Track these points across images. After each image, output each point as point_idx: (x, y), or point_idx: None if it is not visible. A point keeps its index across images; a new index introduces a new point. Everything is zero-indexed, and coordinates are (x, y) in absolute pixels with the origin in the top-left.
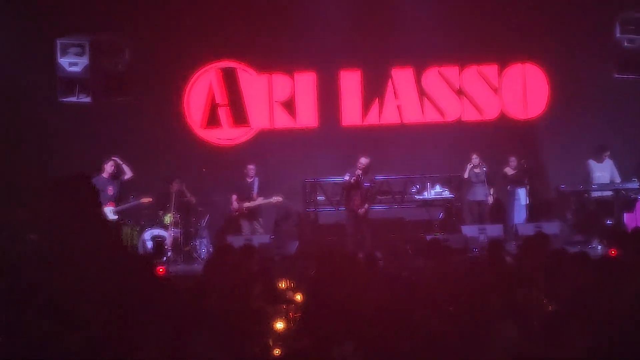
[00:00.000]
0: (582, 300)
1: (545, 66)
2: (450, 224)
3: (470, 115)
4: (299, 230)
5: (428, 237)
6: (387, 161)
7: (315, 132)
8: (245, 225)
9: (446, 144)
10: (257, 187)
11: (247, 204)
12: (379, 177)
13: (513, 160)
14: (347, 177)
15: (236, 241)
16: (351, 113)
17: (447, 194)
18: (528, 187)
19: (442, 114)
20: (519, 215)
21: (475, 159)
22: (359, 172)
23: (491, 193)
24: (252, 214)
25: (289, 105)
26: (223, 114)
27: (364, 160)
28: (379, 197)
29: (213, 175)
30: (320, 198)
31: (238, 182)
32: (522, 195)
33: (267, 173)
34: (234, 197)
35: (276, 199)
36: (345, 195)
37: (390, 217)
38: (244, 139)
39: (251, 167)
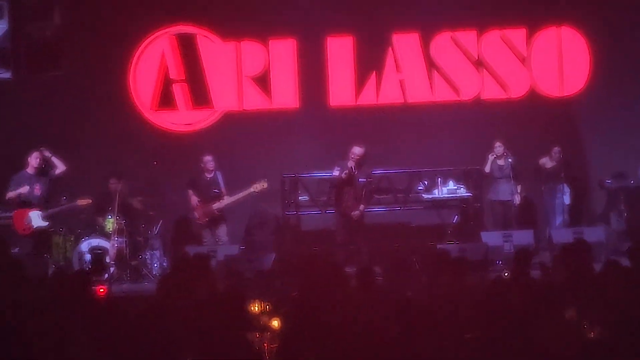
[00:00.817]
0: (634, 326)
1: (585, 30)
2: (467, 230)
3: (492, 93)
4: (276, 239)
5: (439, 247)
6: (387, 151)
7: (296, 115)
8: (206, 233)
9: (462, 129)
10: (222, 182)
11: (217, 205)
12: (377, 172)
13: (556, 151)
14: (336, 172)
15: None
16: (341, 90)
17: (463, 192)
18: (568, 183)
19: (456, 91)
20: (555, 218)
21: (498, 148)
22: (351, 164)
23: (518, 191)
24: (216, 219)
25: (263, 81)
26: (179, 92)
27: (357, 150)
28: (377, 197)
29: (167, 171)
30: (303, 198)
31: (195, 180)
32: (561, 194)
33: (236, 167)
34: (194, 199)
35: (260, 185)
36: (334, 195)
37: (392, 222)
38: (205, 123)
39: (208, 159)
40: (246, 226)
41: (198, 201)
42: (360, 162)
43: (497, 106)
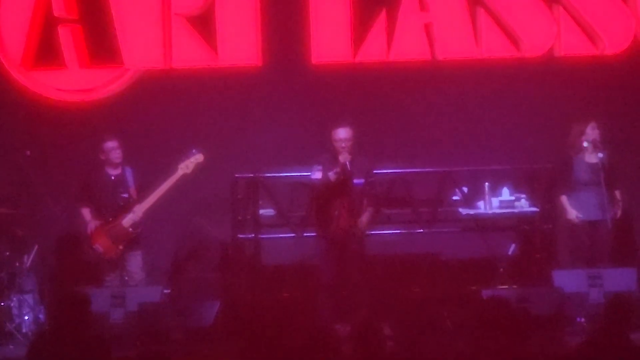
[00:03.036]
0: None
1: None
2: (530, 266)
3: (574, 46)
4: (222, 277)
5: (486, 294)
6: (402, 138)
7: (258, 78)
8: (111, 266)
9: (523, 103)
10: (133, 182)
11: (130, 220)
12: (386, 171)
13: None
14: (317, 174)
15: (96, 299)
16: (331, 40)
17: (524, 205)
18: None
19: (515, 42)
20: None
21: (591, 131)
22: (345, 158)
23: (619, 203)
24: (128, 243)
25: (204, 24)
26: (68, 40)
27: (342, 134)
28: (386, 211)
29: (47, 165)
30: (266, 212)
31: (91, 182)
32: None
33: (157, 160)
34: (86, 210)
35: (192, 161)
36: (317, 207)
37: (409, 252)
38: (110, 89)
39: (113, 147)
40: (174, 256)
41: (97, 222)
42: (351, 153)
43: (582, 67)
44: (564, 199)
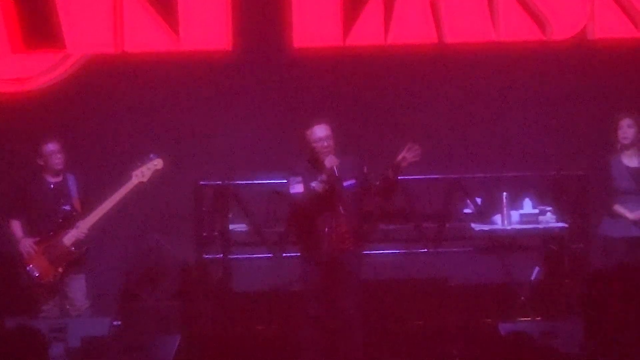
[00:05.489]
0: None
1: None
2: (557, 294)
3: (611, 28)
4: (184, 305)
5: (503, 328)
6: (402, 137)
7: (227, 65)
8: (49, 293)
9: (548, 95)
10: (76, 192)
11: (71, 237)
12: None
13: None
14: (296, 187)
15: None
16: (317, 20)
17: (549, 219)
18: None
19: (540, 23)
20: None
21: (627, 127)
22: (331, 163)
23: None
24: (66, 262)
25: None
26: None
27: (320, 132)
28: (384, 227)
29: None
30: (237, 228)
31: (25, 193)
32: None
33: (105, 164)
34: (17, 224)
35: (149, 167)
36: (300, 225)
37: (411, 276)
38: (50, 78)
39: (53, 150)
40: (125, 280)
41: (32, 239)
42: (337, 154)
43: (619, 53)
44: (618, 207)
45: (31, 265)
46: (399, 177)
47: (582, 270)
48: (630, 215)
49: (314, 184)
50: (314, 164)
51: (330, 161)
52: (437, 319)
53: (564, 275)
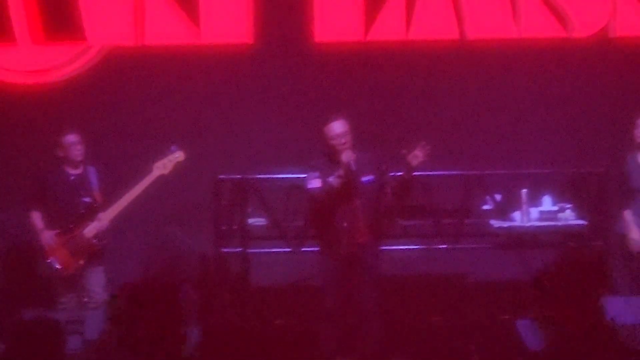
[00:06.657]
0: None
1: None
2: (578, 292)
3: (633, 25)
4: (202, 299)
5: (521, 325)
6: (422, 134)
7: (249, 59)
8: (67, 284)
9: (572, 92)
10: (97, 184)
11: (93, 229)
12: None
13: None
14: (314, 182)
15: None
16: (338, 14)
17: (569, 217)
18: None
19: (562, 20)
20: None
21: None
22: (348, 158)
23: None
24: (87, 254)
25: None
26: (19, 9)
27: (337, 129)
28: (403, 222)
29: None
30: (256, 222)
31: (46, 185)
32: None
33: (125, 158)
34: (37, 216)
35: (171, 159)
36: (319, 221)
37: (430, 273)
38: (70, 70)
39: (73, 141)
40: (143, 274)
41: (53, 231)
42: (355, 150)
43: (638, 51)
44: (627, 214)
45: (52, 258)
46: (414, 174)
47: (602, 268)
48: (634, 235)
49: (330, 179)
50: (332, 159)
51: (346, 156)
52: (455, 315)
53: (583, 273)
